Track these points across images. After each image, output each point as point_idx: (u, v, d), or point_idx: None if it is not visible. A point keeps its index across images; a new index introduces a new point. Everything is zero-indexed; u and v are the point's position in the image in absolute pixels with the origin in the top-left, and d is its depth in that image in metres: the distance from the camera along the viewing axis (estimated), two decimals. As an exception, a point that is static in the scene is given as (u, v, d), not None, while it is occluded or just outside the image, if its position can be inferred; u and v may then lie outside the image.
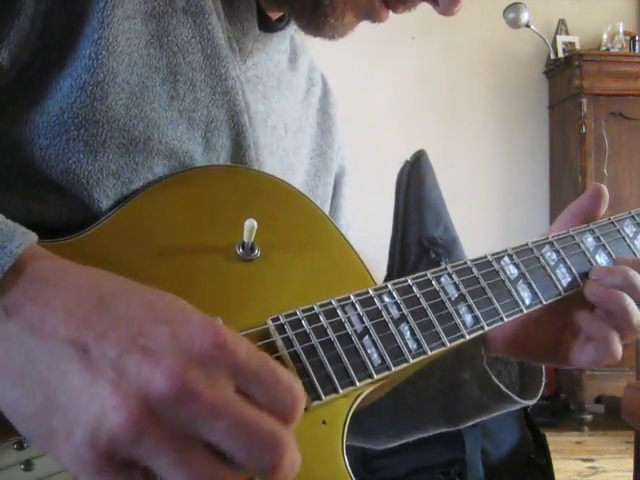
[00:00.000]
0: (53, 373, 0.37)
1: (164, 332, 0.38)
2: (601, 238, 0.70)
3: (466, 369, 0.71)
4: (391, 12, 0.66)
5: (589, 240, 0.70)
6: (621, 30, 3.83)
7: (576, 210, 0.72)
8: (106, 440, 0.35)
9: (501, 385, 0.70)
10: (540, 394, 0.73)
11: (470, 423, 0.74)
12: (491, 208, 3.98)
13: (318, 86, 0.82)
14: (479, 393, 0.71)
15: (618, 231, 0.72)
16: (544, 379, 0.74)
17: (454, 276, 0.60)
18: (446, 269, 0.60)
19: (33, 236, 0.43)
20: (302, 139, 0.76)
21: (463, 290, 0.60)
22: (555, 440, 3.15)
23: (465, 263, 0.62)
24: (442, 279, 0.60)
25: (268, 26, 0.68)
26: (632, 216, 0.74)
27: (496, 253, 0.64)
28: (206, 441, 0.37)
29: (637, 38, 3.86)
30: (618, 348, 0.65)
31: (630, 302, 0.64)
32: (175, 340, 0.38)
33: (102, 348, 0.37)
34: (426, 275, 0.59)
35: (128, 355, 0.37)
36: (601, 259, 0.69)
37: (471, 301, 0.60)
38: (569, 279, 0.66)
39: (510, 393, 0.70)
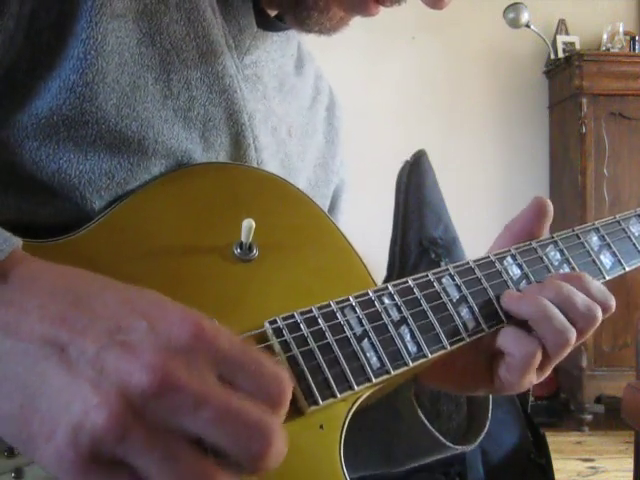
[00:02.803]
0: (31, 374, 0.37)
1: (142, 326, 0.38)
2: (606, 237, 0.69)
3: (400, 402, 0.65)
4: (383, 8, 0.64)
5: (594, 239, 0.68)
6: (621, 30, 3.83)
7: (516, 228, 0.65)
8: (89, 440, 0.35)
9: (426, 422, 0.64)
10: (479, 439, 0.67)
11: (413, 464, 0.69)
12: (491, 208, 3.97)
13: (325, 95, 0.80)
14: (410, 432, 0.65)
15: (624, 230, 0.70)
16: (487, 424, 0.67)
17: (456, 277, 0.59)
18: (448, 270, 0.59)
19: (16, 241, 0.42)
20: (308, 145, 0.75)
21: (465, 291, 0.59)
22: (555, 440, 3.15)
23: (467, 264, 0.61)
24: (444, 280, 0.59)
25: (267, 24, 0.67)
26: (638, 214, 0.72)
27: (499, 253, 0.63)
28: (192, 435, 0.36)
29: (637, 38, 3.85)
30: (532, 366, 0.57)
31: (548, 305, 0.58)
32: (153, 333, 0.37)
33: (80, 346, 0.37)
34: (427, 276, 0.58)
35: (106, 351, 0.36)
36: (605, 259, 0.68)
37: (473, 303, 0.59)
38: None
39: (438, 435, 0.64)
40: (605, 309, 0.61)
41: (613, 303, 0.61)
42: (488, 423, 0.67)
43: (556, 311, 0.58)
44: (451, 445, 0.65)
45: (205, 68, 0.59)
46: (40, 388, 0.36)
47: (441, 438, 0.64)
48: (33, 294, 0.39)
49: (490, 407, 0.68)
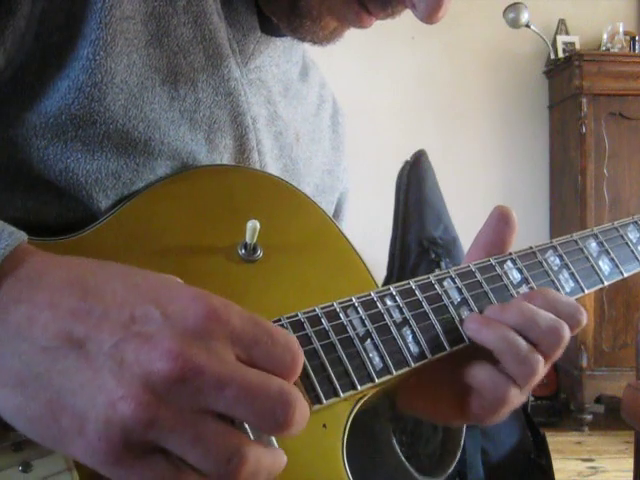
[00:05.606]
0: (52, 373, 0.37)
1: (155, 314, 0.38)
2: (604, 243, 0.70)
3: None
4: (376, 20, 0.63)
5: (592, 245, 0.69)
6: (621, 30, 3.83)
7: (481, 241, 0.64)
8: (119, 431, 0.36)
9: (401, 454, 0.63)
10: (449, 471, 0.65)
11: None
12: (491, 208, 3.96)
13: (329, 104, 0.81)
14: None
15: (622, 236, 0.72)
16: (456, 459, 0.66)
17: (457, 280, 0.60)
18: (449, 272, 0.60)
19: (22, 236, 0.42)
20: (315, 151, 0.75)
21: (466, 294, 0.60)
22: (555, 440, 3.15)
23: (468, 267, 0.62)
24: (445, 282, 0.60)
25: (271, 29, 0.68)
26: (635, 222, 0.74)
27: (498, 257, 0.64)
28: (217, 412, 0.38)
29: (637, 38, 3.85)
30: (509, 396, 0.55)
31: (509, 335, 0.55)
32: (168, 319, 0.38)
33: (97, 340, 0.38)
34: (429, 278, 0.59)
35: (124, 343, 0.37)
36: (604, 264, 0.69)
37: (473, 305, 0.59)
38: (572, 284, 0.66)
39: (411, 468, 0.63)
40: (573, 325, 0.57)
41: (583, 317, 0.58)
42: (459, 454, 0.66)
43: (519, 340, 0.55)
44: (417, 475, 0.64)
45: (211, 71, 0.60)
46: (64, 385, 0.37)
47: (411, 469, 0.63)
48: (41, 289, 0.40)
49: (462, 438, 0.67)
